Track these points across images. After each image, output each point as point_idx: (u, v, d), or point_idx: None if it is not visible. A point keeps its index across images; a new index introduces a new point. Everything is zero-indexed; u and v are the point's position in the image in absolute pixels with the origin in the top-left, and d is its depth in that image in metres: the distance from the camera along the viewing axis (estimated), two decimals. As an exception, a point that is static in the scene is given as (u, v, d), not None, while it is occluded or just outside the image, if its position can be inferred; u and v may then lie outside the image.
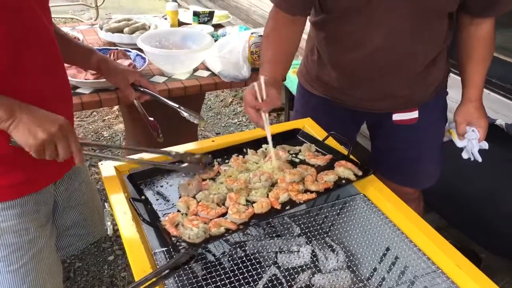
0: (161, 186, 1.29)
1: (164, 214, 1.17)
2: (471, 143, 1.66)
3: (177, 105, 1.51)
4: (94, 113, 3.82)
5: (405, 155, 1.77)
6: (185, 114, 1.51)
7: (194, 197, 1.23)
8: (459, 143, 1.70)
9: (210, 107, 4.05)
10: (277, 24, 1.48)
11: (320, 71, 1.67)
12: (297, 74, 1.84)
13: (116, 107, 3.68)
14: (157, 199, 1.24)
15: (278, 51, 1.46)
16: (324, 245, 1.24)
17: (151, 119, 1.59)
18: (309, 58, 1.71)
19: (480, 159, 1.67)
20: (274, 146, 1.46)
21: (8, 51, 1.05)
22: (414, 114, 1.67)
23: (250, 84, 1.33)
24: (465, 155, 1.70)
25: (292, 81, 3.04)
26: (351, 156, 1.39)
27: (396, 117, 1.68)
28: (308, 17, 1.56)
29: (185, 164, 1.23)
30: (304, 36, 1.58)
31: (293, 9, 1.45)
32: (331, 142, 1.48)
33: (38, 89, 1.12)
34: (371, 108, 1.67)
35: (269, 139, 1.34)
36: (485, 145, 1.68)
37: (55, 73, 1.21)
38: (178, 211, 1.19)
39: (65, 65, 1.30)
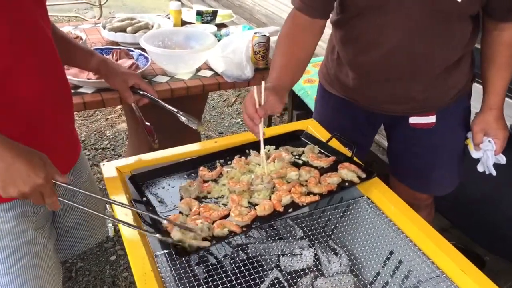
0: (163, 188, 1.29)
1: (166, 216, 1.16)
2: (486, 154, 1.58)
3: (175, 110, 1.50)
4: (97, 112, 3.82)
5: (420, 160, 1.72)
6: (184, 119, 1.49)
7: (196, 198, 1.23)
8: (474, 154, 1.62)
9: (213, 106, 4.04)
10: (295, 27, 1.45)
11: (339, 71, 1.64)
12: (318, 74, 1.81)
13: (119, 106, 3.68)
14: (158, 201, 1.23)
15: (290, 57, 1.42)
16: (327, 248, 1.23)
17: (148, 124, 1.58)
18: (329, 58, 1.70)
19: (494, 173, 1.60)
20: (277, 147, 1.45)
21: (9, 51, 1.04)
22: (432, 119, 1.61)
23: (251, 90, 1.29)
24: (480, 168, 1.63)
25: (295, 81, 3.03)
26: (355, 158, 1.38)
27: (413, 120, 1.63)
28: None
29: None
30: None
31: (314, 12, 1.42)
32: (335, 143, 1.47)
33: (36, 90, 1.11)
34: (387, 111, 1.63)
35: (262, 148, 1.30)
36: (502, 160, 1.59)
37: (53, 74, 1.20)
38: (180, 212, 1.18)
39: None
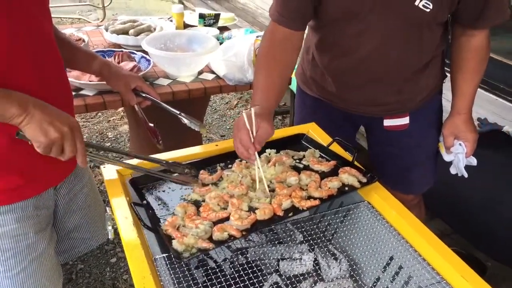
0: (163, 191, 1.28)
1: (165, 219, 1.16)
2: (458, 157, 1.62)
3: (178, 112, 1.50)
4: (99, 114, 3.82)
5: (397, 161, 1.77)
6: (186, 121, 1.49)
7: (194, 202, 1.23)
8: (446, 157, 1.66)
9: (215, 109, 4.05)
10: (274, 40, 1.45)
11: (314, 72, 1.68)
12: (295, 75, 1.83)
13: (121, 109, 3.68)
14: (158, 204, 1.23)
15: (274, 78, 1.41)
16: (327, 253, 1.22)
17: (151, 125, 1.58)
18: (305, 58, 1.72)
19: (466, 175, 1.63)
20: (278, 151, 1.45)
21: (7, 49, 1.04)
22: (405, 120, 1.66)
23: (240, 116, 1.27)
24: (452, 170, 1.67)
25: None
26: (356, 163, 1.38)
27: (387, 123, 1.68)
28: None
29: (175, 174, 1.26)
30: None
31: (292, 24, 1.43)
32: (336, 147, 1.47)
33: (33, 88, 1.11)
34: (363, 112, 1.68)
35: (261, 175, 1.26)
36: (473, 161, 1.63)
37: (53, 74, 1.20)
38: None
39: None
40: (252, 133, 1.24)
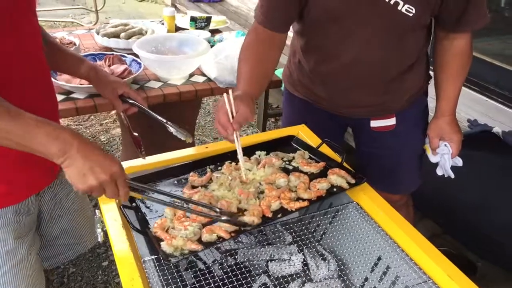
0: (153, 194, 1.28)
1: (154, 222, 1.16)
2: (444, 158, 1.64)
3: (165, 120, 1.49)
4: (92, 117, 3.82)
5: (384, 161, 1.78)
6: (172, 130, 1.49)
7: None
8: (433, 159, 1.68)
9: (208, 111, 4.05)
10: (256, 39, 1.49)
11: (301, 75, 1.69)
12: (282, 76, 1.85)
13: (113, 112, 3.68)
14: (147, 206, 1.24)
15: (254, 70, 1.43)
16: (316, 253, 1.23)
17: (135, 134, 1.57)
18: (291, 61, 1.74)
19: (452, 176, 1.66)
20: (268, 153, 1.46)
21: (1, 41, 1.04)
22: (392, 121, 1.68)
23: (221, 99, 1.30)
24: (439, 172, 1.69)
25: (289, 86, 3.04)
26: (345, 164, 1.39)
27: (374, 124, 1.69)
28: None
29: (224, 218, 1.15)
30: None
31: (273, 25, 1.46)
32: (325, 149, 1.48)
33: (21, 97, 1.11)
34: (350, 114, 1.70)
35: (240, 156, 1.31)
36: (459, 162, 1.65)
37: (40, 81, 1.20)
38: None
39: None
40: (232, 114, 1.27)
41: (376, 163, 1.80)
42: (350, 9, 1.39)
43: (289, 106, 1.85)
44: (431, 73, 1.67)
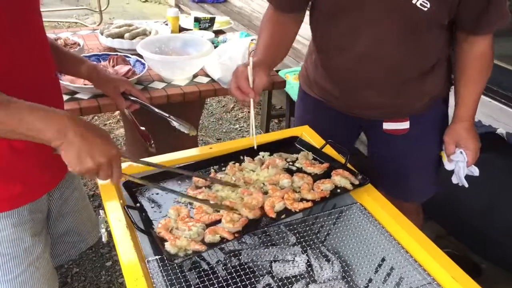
0: (157, 194, 1.29)
1: (158, 222, 1.16)
2: (458, 165, 1.58)
3: (167, 115, 1.50)
4: (95, 117, 3.83)
5: (395, 166, 1.74)
6: (175, 124, 1.49)
7: (186, 205, 1.23)
8: (448, 166, 1.63)
9: (211, 112, 4.05)
10: (270, 21, 1.53)
11: (316, 73, 1.69)
12: (298, 76, 1.85)
13: (117, 112, 3.69)
14: (151, 207, 1.24)
15: (271, 41, 1.49)
16: (320, 254, 1.23)
17: (143, 128, 1.58)
18: (308, 60, 1.74)
19: (466, 185, 1.60)
20: (272, 154, 1.46)
21: (7, 51, 1.05)
22: (405, 125, 1.64)
23: (239, 66, 1.37)
24: (454, 180, 1.63)
25: (292, 87, 3.04)
26: (349, 165, 1.38)
27: (387, 126, 1.66)
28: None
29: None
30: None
31: (283, 6, 1.50)
32: (329, 150, 1.47)
33: (30, 93, 1.11)
34: (362, 115, 1.67)
35: (252, 124, 1.39)
36: (474, 171, 1.59)
37: (47, 78, 1.21)
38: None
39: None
40: (251, 81, 1.33)
41: (386, 168, 1.77)
42: (360, 0, 1.37)
43: (303, 105, 1.84)
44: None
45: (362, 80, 1.54)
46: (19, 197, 1.18)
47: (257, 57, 1.41)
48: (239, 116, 4.00)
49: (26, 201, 1.20)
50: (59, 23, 5.93)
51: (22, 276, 1.23)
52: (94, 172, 1.02)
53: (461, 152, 1.57)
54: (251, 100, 1.34)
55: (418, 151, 1.69)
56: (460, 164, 1.58)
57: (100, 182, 1.29)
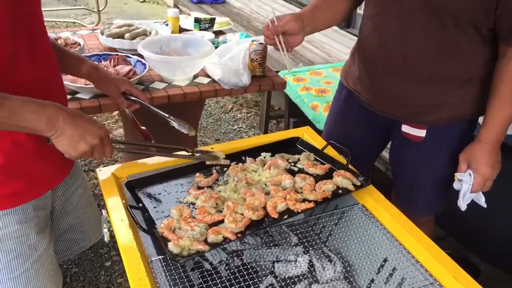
0: (159, 194, 1.29)
1: (160, 222, 1.16)
2: (462, 186, 1.47)
3: (167, 115, 1.50)
4: (94, 117, 3.81)
5: (405, 174, 1.70)
6: (175, 124, 1.49)
7: (188, 205, 1.24)
8: (455, 184, 1.53)
9: (210, 113, 4.05)
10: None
11: (352, 62, 1.69)
12: (340, 72, 1.82)
13: (116, 112, 3.68)
14: (154, 207, 1.24)
15: (316, 5, 1.57)
16: (322, 255, 1.23)
17: (143, 128, 1.58)
18: (351, 52, 1.74)
19: (462, 208, 1.50)
20: (273, 154, 1.46)
21: (8, 48, 1.05)
22: (422, 133, 1.55)
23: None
24: (459, 201, 1.51)
25: (292, 88, 3.05)
26: (350, 166, 1.39)
27: (405, 128, 1.58)
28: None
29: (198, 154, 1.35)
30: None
31: None
32: (330, 151, 1.48)
33: (33, 89, 1.12)
34: (384, 112, 1.60)
35: (284, 57, 1.44)
36: (480, 200, 1.49)
37: (51, 75, 1.21)
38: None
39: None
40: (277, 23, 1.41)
41: (398, 174, 1.74)
42: None
43: (338, 95, 1.81)
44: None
45: (385, 68, 1.50)
46: (24, 193, 1.18)
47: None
48: (238, 117, 4.00)
49: (30, 198, 1.20)
50: (57, 23, 5.92)
51: (27, 273, 1.23)
52: (89, 154, 1.10)
53: (469, 174, 1.46)
54: (276, 38, 1.41)
55: (428, 164, 1.62)
56: (464, 185, 1.47)
57: (101, 181, 1.30)
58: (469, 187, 1.46)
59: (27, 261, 1.22)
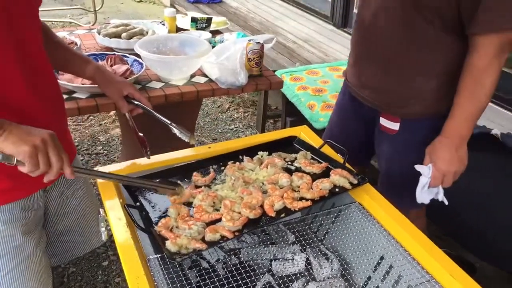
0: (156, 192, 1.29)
1: (158, 221, 1.17)
2: (421, 180, 1.46)
3: (169, 122, 1.50)
4: (91, 117, 3.81)
5: (383, 168, 1.74)
6: (176, 131, 1.49)
7: (187, 204, 1.24)
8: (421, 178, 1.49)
9: (207, 112, 4.05)
10: None
11: (350, 56, 1.75)
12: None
13: (113, 112, 3.68)
14: (151, 206, 1.24)
15: None
16: (319, 253, 1.24)
17: (141, 134, 1.58)
18: None
19: (418, 201, 1.49)
20: (270, 153, 1.47)
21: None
22: (395, 126, 1.58)
23: None
24: (417, 194, 1.50)
25: (289, 87, 3.05)
26: (347, 165, 1.40)
27: (382, 121, 1.62)
28: None
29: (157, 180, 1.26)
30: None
31: None
32: (327, 150, 1.49)
33: (26, 96, 1.11)
34: (366, 101, 1.64)
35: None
36: (440, 195, 1.47)
37: (44, 81, 1.20)
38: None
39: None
40: None
41: (381, 167, 1.77)
42: None
43: (342, 92, 1.86)
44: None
45: (370, 53, 1.58)
46: (9, 192, 1.17)
47: None
48: (235, 117, 4.00)
49: (16, 197, 1.19)
50: (53, 22, 5.90)
51: (12, 273, 1.22)
52: (44, 152, 1.03)
53: (429, 168, 1.45)
54: None
55: (402, 157, 1.64)
56: (422, 179, 1.46)
57: (99, 181, 1.30)
58: (428, 180, 1.45)
59: (11, 262, 1.21)
